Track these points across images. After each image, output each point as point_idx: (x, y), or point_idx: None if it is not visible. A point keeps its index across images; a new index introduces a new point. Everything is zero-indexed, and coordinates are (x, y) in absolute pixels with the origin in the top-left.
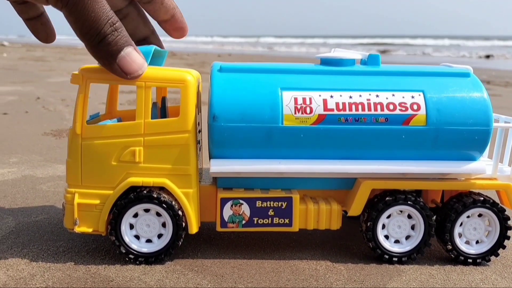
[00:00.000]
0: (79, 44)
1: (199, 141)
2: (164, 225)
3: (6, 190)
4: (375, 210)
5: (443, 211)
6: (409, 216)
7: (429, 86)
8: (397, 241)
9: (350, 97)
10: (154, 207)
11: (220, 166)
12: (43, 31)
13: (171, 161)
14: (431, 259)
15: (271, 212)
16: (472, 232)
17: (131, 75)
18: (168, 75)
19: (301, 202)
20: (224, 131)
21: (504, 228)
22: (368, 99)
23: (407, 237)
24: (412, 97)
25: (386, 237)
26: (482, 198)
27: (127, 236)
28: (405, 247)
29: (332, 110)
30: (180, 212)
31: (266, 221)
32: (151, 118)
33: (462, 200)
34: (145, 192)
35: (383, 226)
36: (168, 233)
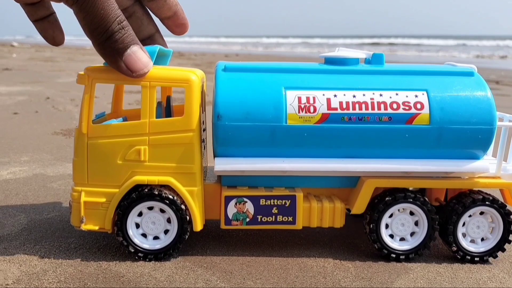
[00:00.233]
0: (88, 45)
1: (203, 140)
2: (169, 220)
3: (18, 188)
4: (376, 211)
5: (444, 213)
6: (412, 213)
7: (432, 85)
8: (402, 239)
9: (354, 96)
10: (156, 204)
11: (225, 165)
12: (52, 32)
13: (176, 160)
14: (438, 257)
15: (274, 210)
16: (476, 230)
17: (136, 73)
18: (172, 74)
19: (304, 200)
20: (228, 130)
21: (507, 223)
22: (372, 98)
23: (412, 234)
24: (416, 96)
25: (391, 236)
26: (482, 197)
27: (136, 238)
28: (412, 243)
29: (335, 109)
30: (183, 206)
31: (270, 219)
32: (156, 117)
33: (462, 201)
34: (146, 190)
35: (387, 226)
36: (174, 228)
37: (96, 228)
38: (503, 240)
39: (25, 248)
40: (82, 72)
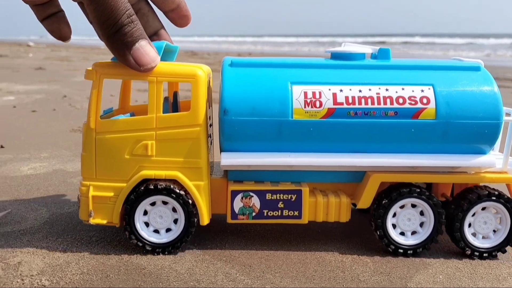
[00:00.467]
0: (102, 45)
1: (210, 135)
2: (174, 210)
3: (39, 183)
4: (382, 207)
5: (449, 210)
6: (413, 206)
7: (439, 79)
8: (409, 233)
9: (360, 91)
10: (164, 198)
11: (231, 159)
12: (59, 26)
13: (183, 155)
14: (457, 253)
15: (280, 205)
16: (483, 226)
17: (144, 67)
18: (179, 70)
19: (310, 194)
20: (234, 124)
21: None
22: (378, 93)
23: (421, 225)
24: (422, 90)
25: (402, 233)
26: (487, 192)
27: (143, 231)
28: (419, 238)
29: (341, 104)
30: (190, 200)
31: (276, 213)
32: (163, 113)
33: (468, 198)
34: (151, 186)
35: (394, 226)
36: (181, 222)
37: (104, 222)
38: (511, 234)
39: (48, 241)
40: (90, 68)
